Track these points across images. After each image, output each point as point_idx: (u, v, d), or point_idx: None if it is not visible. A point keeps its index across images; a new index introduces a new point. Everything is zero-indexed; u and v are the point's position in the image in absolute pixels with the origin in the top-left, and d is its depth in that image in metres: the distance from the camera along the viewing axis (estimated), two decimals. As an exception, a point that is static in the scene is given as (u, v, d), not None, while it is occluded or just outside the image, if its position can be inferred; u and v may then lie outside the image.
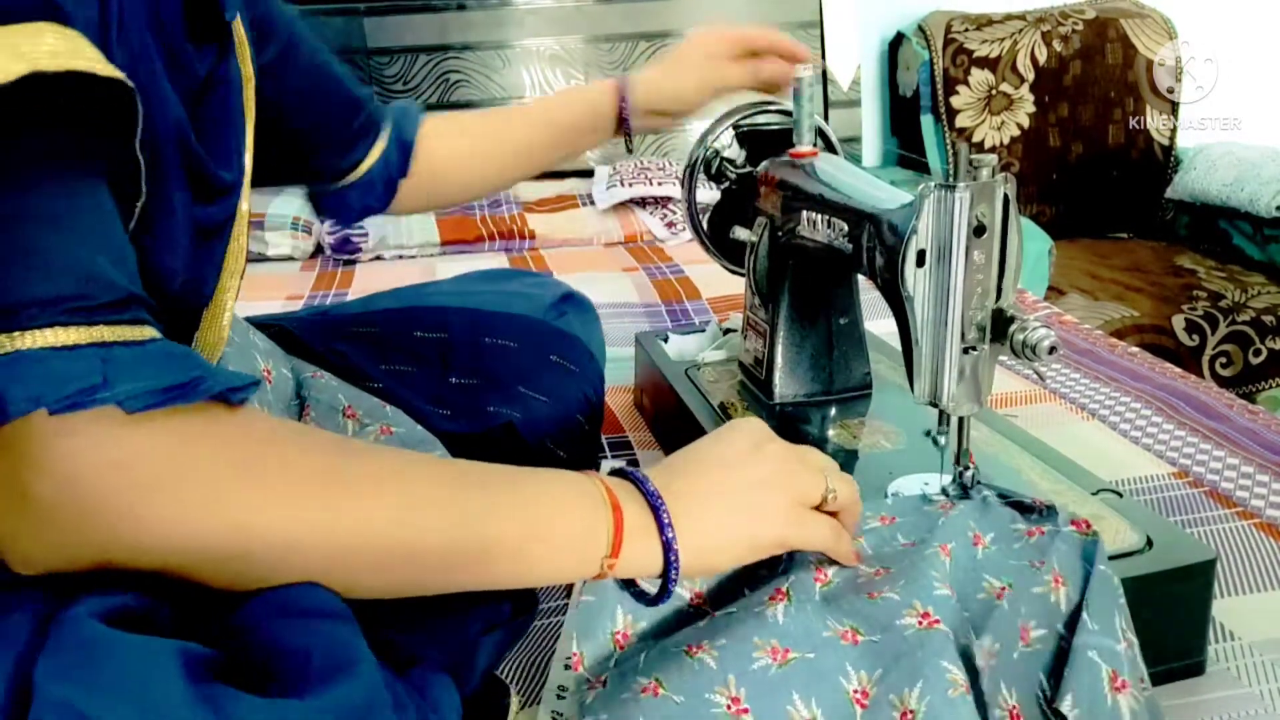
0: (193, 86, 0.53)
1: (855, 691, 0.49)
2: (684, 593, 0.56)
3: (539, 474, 0.51)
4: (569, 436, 0.81)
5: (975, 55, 2.26)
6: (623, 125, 0.89)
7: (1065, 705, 0.49)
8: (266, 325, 0.77)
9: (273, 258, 1.83)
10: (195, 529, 0.39)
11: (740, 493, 0.53)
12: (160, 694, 0.34)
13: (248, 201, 0.60)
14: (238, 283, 0.59)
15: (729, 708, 0.48)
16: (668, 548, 0.49)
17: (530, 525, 0.47)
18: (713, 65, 0.87)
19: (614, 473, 0.53)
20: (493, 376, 0.79)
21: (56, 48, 0.36)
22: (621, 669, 0.52)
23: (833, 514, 0.56)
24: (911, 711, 0.47)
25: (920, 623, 0.50)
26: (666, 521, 0.50)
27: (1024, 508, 0.62)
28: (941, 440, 0.63)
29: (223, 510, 0.40)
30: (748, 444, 0.55)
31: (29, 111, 0.37)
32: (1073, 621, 0.53)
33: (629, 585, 0.53)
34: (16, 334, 0.37)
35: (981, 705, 0.49)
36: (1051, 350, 0.57)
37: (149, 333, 0.40)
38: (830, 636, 0.51)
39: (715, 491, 0.52)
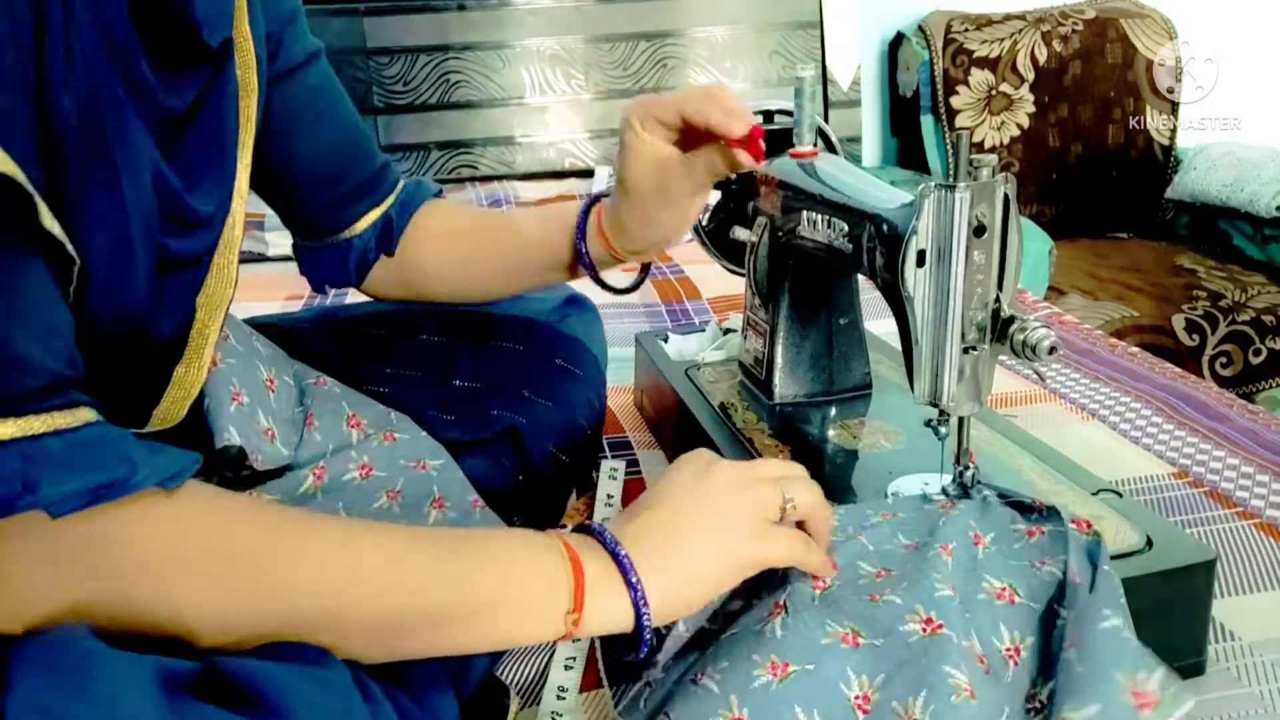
0: (167, 116, 0.52)
1: (857, 698, 0.49)
2: (682, 630, 0.55)
3: (493, 535, 0.51)
4: (571, 441, 0.81)
5: (975, 55, 2.26)
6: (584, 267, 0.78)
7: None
8: (269, 327, 0.77)
9: (273, 258, 1.82)
10: (127, 620, 0.40)
11: (698, 520, 0.52)
12: (134, 706, 0.35)
13: (240, 228, 0.58)
14: (221, 319, 0.58)
15: None
16: (635, 593, 0.49)
17: (483, 590, 0.47)
18: (663, 185, 0.69)
19: (575, 529, 0.52)
20: (497, 380, 0.79)
21: None
22: (641, 703, 0.53)
23: (801, 525, 0.56)
24: (914, 719, 0.47)
25: (924, 629, 0.50)
26: (629, 566, 0.49)
27: (1024, 508, 0.62)
28: (942, 430, 0.63)
29: (152, 602, 0.40)
30: (692, 474, 0.54)
31: None
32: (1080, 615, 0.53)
33: (608, 645, 0.52)
34: None
35: (997, 704, 0.49)
36: (1051, 350, 0.57)
37: (83, 416, 0.39)
38: (830, 643, 0.51)
39: (674, 527, 0.52)
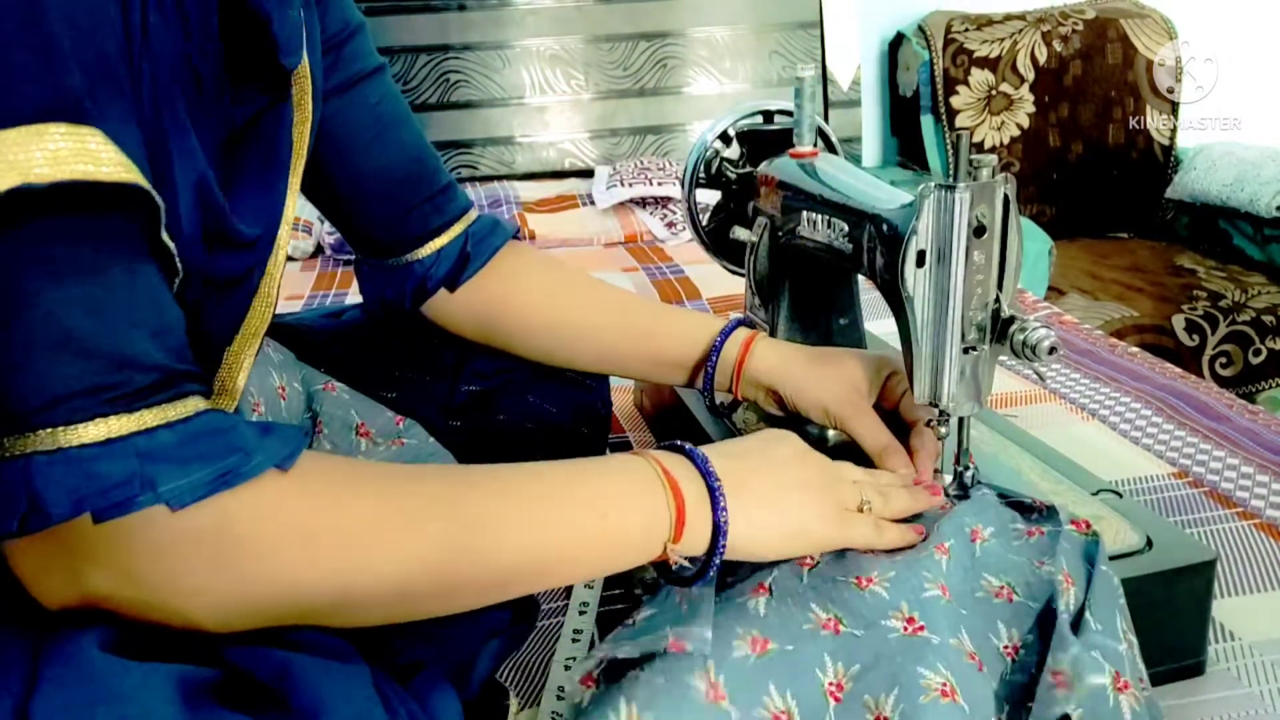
0: (226, 134, 0.52)
1: (830, 684, 0.49)
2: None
3: (593, 467, 0.52)
4: (577, 447, 0.81)
5: (975, 55, 2.26)
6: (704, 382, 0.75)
7: (1070, 705, 0.49)
8: (275, 326, 0.77)
9: (296, 258, 1.83)
10: (255, 600, 0.40)
11: (790, 490, 0.54)
12: (155, 712, 0.35)
13: (284, 254, 0.58)
14: (257, 345, 0.58)
15: (708, 694, 0.48)
16: (717, 528, 0.50)
17: (591, 525, 0.48)
18: (855, 419, 0.68)
19: (665, 446, 0.54)
20: (505, 385, 0.79)
21: (58, 152, 0.35)
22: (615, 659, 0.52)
23: None
24: (885, 717, 0.47)
25: (905, 628, 0.51)
26: (721, 504, 0.50)
27: (1024, 508, 0.62)
28: (942, 430, 0.63)
29: (280, 577, 0.41)
30: (794, 451, 0.57)
31: (50, 201, 0.36)
32: (1076, 621, 0.53)
33: (659, 568, 0.52)
34: (60, 429, 0.36)
35: (997, 701, 0.49)
36: (1051, 350, 0.57)
37: (193, 405, 0.40)
38: (810, 629, 0.51)
39: (767, 485, 0.53)
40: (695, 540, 0.51)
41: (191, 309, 0.50)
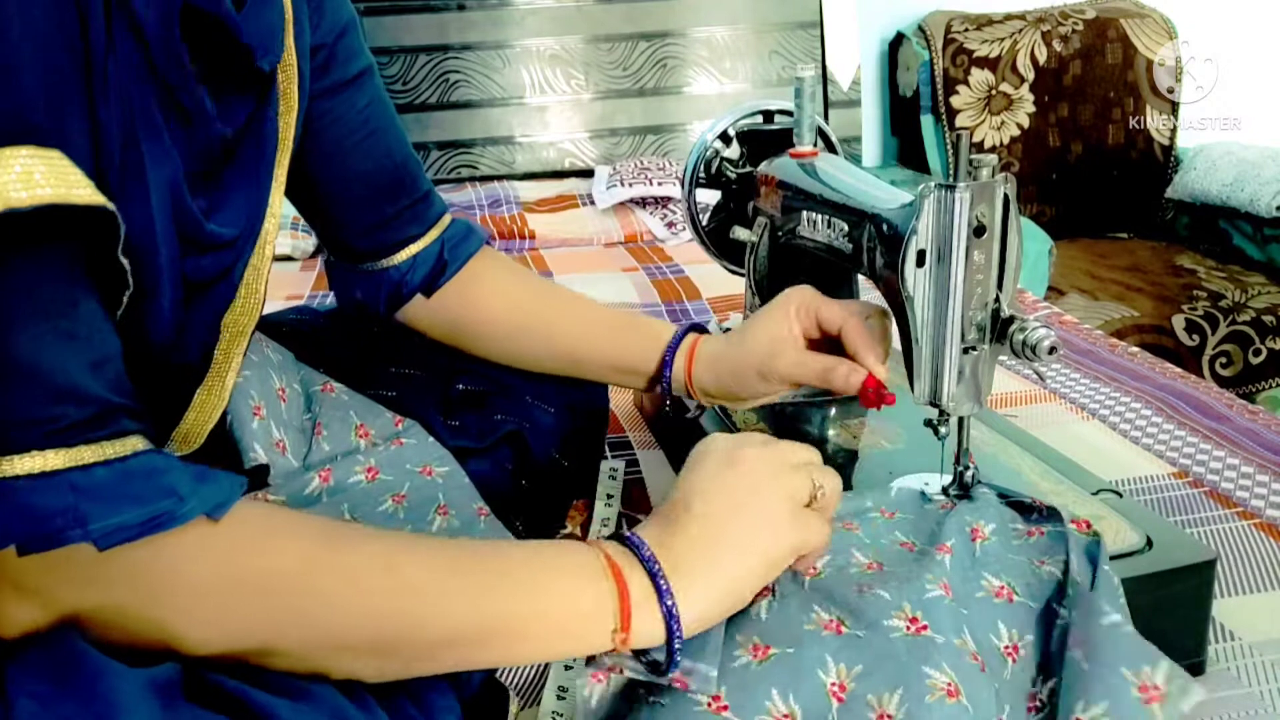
0: (214, 140, 0.51)
1: (833, 685, 0.49)
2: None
3: (539, 550, 0.49)
4: (574, 445, 0.81)
5: (975, 55, 2.26)
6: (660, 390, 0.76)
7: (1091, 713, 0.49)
8: (274, 326, 0.77)
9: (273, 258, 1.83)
10: (181, 638, 0.40)
11: (733, 521, 0.50)
12: (133, 710, 0.35)
13: (271, 248, 0.57)
14: (245, 343, 0.57)
15: (709, 705, 0.48)
16: (669, 617, 0.47)
17: (532, 605, 0.46)
18: (786, 364, 0.68)
19: (612, 537, 0.51)
20: (501, 384, 0.79)
21: (27, 174, 0.35)
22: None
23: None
24: (889, 716, 0.47)
25: (909, 628, 0.51)
26: (665, 589, 0.47)
27: (1024, 508, 0.62)
28: (942, 430, 0.63)
29: (204, 619, 0.41)
30: (717, 464, 0.52)
31: (11, 226, 0.35)
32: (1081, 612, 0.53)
33: (638, 655, 0.50)
34: None
35: (999, 702, 0.49)
36: (1051, 350, 0.57)
37: (131, 445, 0.40)
38: (812, 629, 0.51)
39: (711, 536, 0.49)
40: (648, 631, 0.48)
41: (171, 312, 0.50)
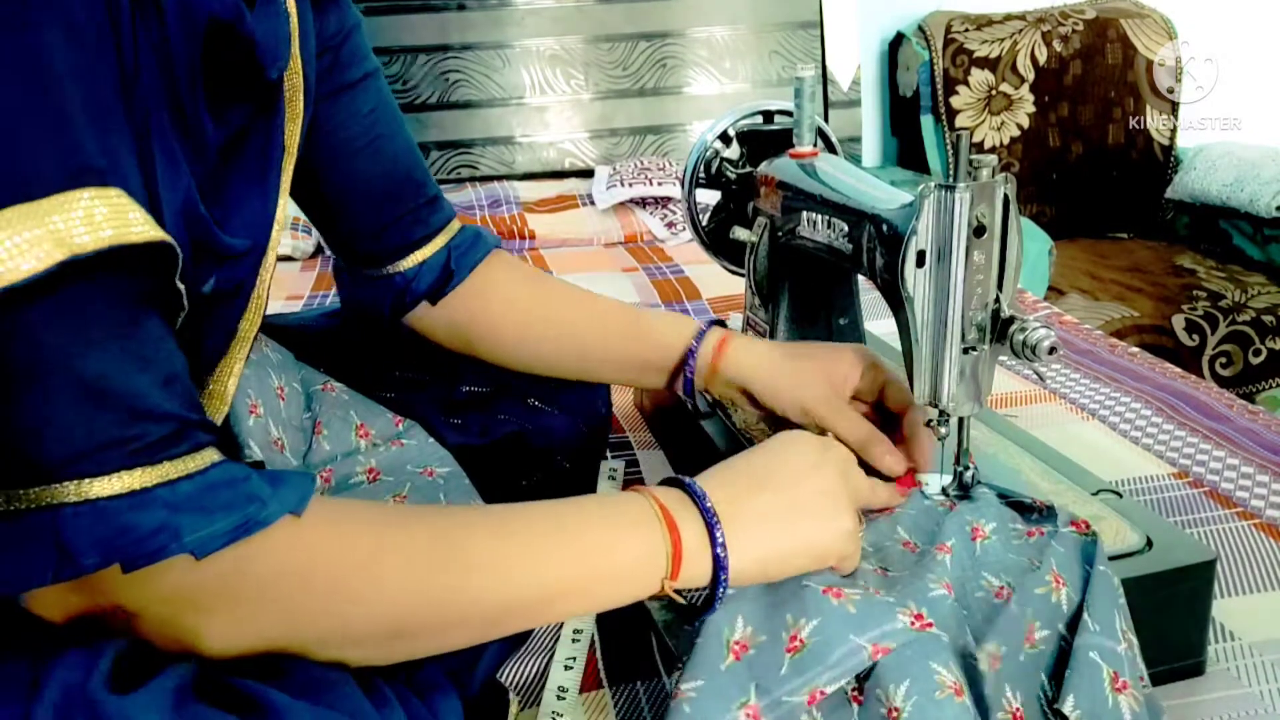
0: (212, 147, 0.52)
1: (852, 690, 0.49)
2: None
3: (591, 506, 0.52)
4: (577, 446, 0.81)
5: (975, 55, 2.26)
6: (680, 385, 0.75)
7: (1067, 706, 0.49)
8: (274, 327, 0.77)
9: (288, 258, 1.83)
10: (259, 635, 0.42)
11: (797, 509, 0.52)
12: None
13: (275, 254, 0.58)
14: (247, 348, 0.58)
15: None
16: (718, 565, 0.50)
17: (588, 564, 0.48)
18: (823, 404, 0.68)
19: (667, 481, 0.53)
20: (505, 384, 0.79)
21: (91, 217, 0.36)
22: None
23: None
24: (897, 709, 0.47)
25: (913, 624, 0.51)
26: (720, 540, 0.50)
27: (1024, 508, 0.62)
28: (942, 430, 0.63)
29: (284, 614, 0.42)
30: (810, 460, 0.55)
31: (84, 266, 0.36)
32: (1073, 622, 0.53)
33: (663, 598, 0.52)
34: (85, 481, 0.37)
35: (982, 708, 0.49)
36: (1051, 350, 0.57)
37: (208, 457, 0.41)
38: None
39: (771, 511, 0.52)
40: (695, 575, 0.50)
41: (184, 326, 0.50)
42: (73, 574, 0.37)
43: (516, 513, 0.50)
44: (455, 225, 0.76)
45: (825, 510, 0.53)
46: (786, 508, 0.52)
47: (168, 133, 0.46)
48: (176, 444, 0.40)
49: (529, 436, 0.76)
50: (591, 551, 0.48)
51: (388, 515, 0.47)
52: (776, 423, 0.75)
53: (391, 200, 0.71)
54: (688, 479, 0.53)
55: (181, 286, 0.42)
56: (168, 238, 0.39)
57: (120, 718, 0.36)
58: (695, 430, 0.86)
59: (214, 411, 0.57)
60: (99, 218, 0.36)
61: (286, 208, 0.59)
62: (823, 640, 0.49)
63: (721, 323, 0.76)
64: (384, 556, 0.44)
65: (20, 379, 0.36)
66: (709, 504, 0.51)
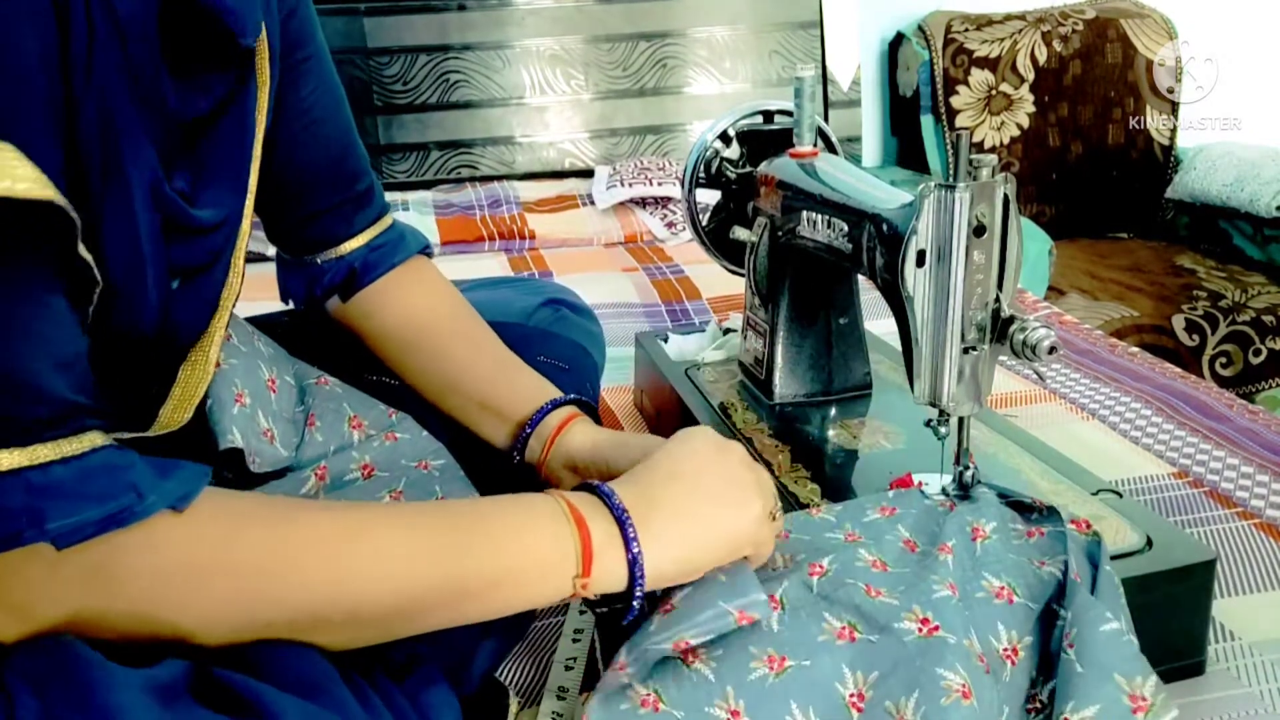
0: (186, 123, 0.51)
1: (851, 696, 0.49)
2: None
3: (502, 502, 0.51)
4: None
5: (975, 55, 2.26)
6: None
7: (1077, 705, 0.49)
8: (270, 324, 0.77)
9: (272, 258, 1.82)
10: (151, 627, 0.40)
11: (717, 495, 0.52)
12: (132, 713, 0.35)
13: (249, 222, 0.57)
14: (227, 317, 0.58)
15: None
16: (633, 563, 0.49)
17: (499, 559, 0.47)
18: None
19: (580, 488, 0.52)
20: None
21: None
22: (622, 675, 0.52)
23: None
24: None
25: (920, 629, 0.50)
26: (632, 535, 0.49)
27: (1024, 508, 0.62)
28: (942, 430, 0.63)
29: (172, 610, 0.41)
30: (713, 447, 0.54)
31: None
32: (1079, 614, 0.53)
33: (593, 604, 0.52)
34: None
35: (987, 707, 0.49)
36: (1051, 350, 0.57)
37: (90, 441, 0.39)
38: (825, 640, 0.51)
39: (690, 495, 0.52)
40: (610, 577, 0.49)
41: (158, 299, 0.50)
42: None
43: (426, 507, 0.49)
44: (382, 223, 0.75)
45: (734, 497, 0.52)
46: (698, 498, 0.52)
47: (126, 106, 0.45)
48: (56, 426, 0.38)
49: None
50: (499, 546, 0.47)
51: (293, 508, 0.46)
52: (776, 420, 0.75)
53: (319, 191, 0.70)
54: (596, 482, 0.52)
55: (88, 257, 0.40)
56: (59, 199, 0.37)
57: (105, 685, 0.36)
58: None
59: (196, 382, 0.57)
60: None
61: (258, 177, 0.59)
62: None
63: (580, 403, 0.73)
64: (284, 548, 0.43)
65: None
66: (617, 500, 0.50)
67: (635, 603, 0.50)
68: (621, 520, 0.50)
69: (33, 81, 0.39)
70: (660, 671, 0.50)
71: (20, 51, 0.38)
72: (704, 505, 0.52)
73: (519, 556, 0.48)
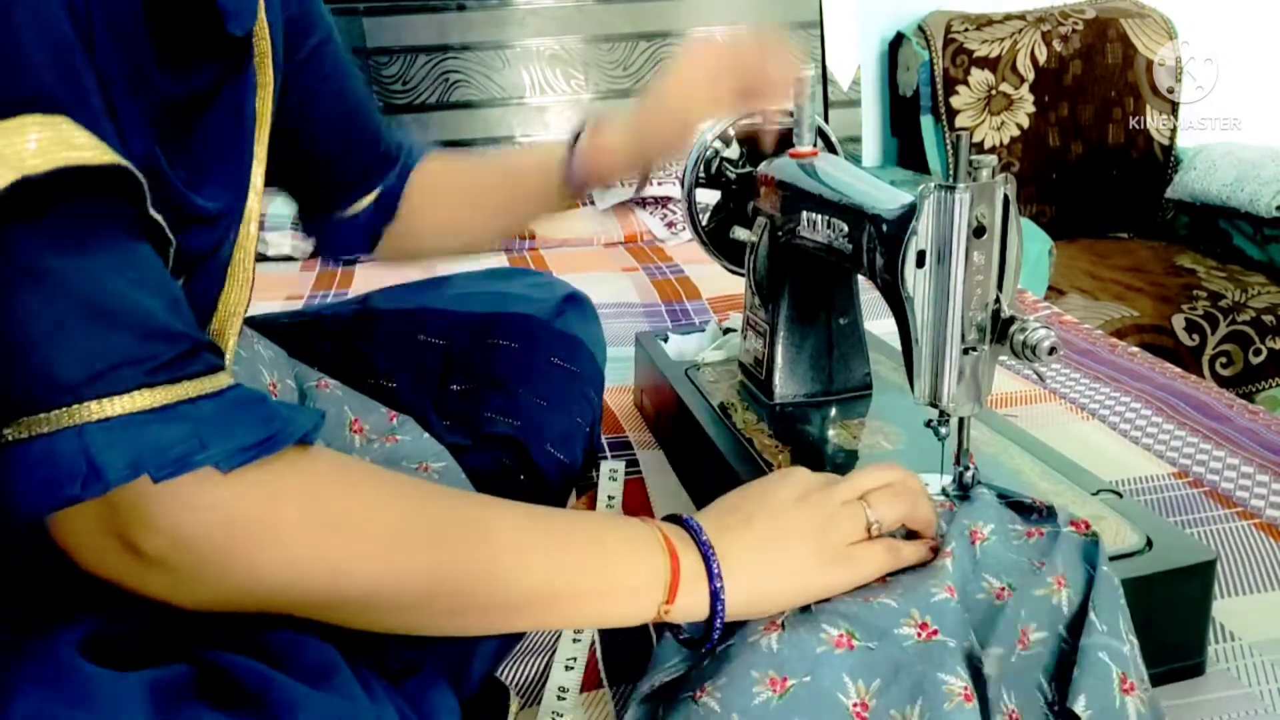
0: (171, 112, 0.52)
1: (855, 705, 0.49)
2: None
3: (604, 521, 0.54)
4: (570, 439, 0.81)
5: (975, 55, 2.26)
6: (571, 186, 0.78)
7: (1079, 706, 0.49)
8: (270, 326, 0.77)
9: (272, 258, 1.82)
10: (297, 576, 0.42)
11: (785, 543, 0.53)
12: (129, 715, 0.36)
13: (255, 226, 0.59)
14: (239, 325, 0.58)
15: None
16: (714, 596, 0.51)
17: (598, 573, 0.49)
18: (691, 108, 0.76)
19: (667, 519, 0.54)
20: (492, 379, 0.79)
21: (43, 142, 0.37)
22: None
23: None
24: None
25: (919, 634, 0.50)
26: (716, 571, 0.51)
27: (1023, 508, 0.62)
28: (943, 430, 0.63)
29: (321, 559, 0.42)
30: (794, 495, 0.56)
31: (49, 190, 0.37)
32: (1075, 624, 0.53)
33: (672, 629, 0.54)
34: (109, 399, 0.38)
35: (985, 711, 0.49)
36: (1051, 351, 0.57)
37: (223, 380, 0.42)
38: (824, 651, 0.50)
39: (762, 542, 0.53)
40: (692, 607, 0.51)
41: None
42: (100, 488, 0.37)
43: (539, 512, 0.51)
44: (398, 153, 0.81)
45: (806, 546, 0.53)
46: (773, 543, 0.53)
47: (121, 86, 0.46)
48: (192, 363, 0.40)
49: (522, 432, 0.76)
50: (601, 560, 0.50)
51: (418, 484, 0.49)
52: (777, 421, 0.75)
53: (359, 147, 0.77)
54: (684, 515, 0.54)
55: (159, 217, 0.42)
56: (124, 162, 0.39)
57: (94, 692, 0.36)
58: (695, 430, 0.86)
59: None
60: (47, 142, 0.37)
61: (264, 177, 0.60)
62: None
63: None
64: (414, 518, 0.45)
65: (22, 303, 0.37)
66: (705, 537, 0.52)
67: (715, 635, 0.52)
68: (707, 555, 0.51)
69: (72, 50, 0.40)
70: (672, 712, 0.51)
71: (58, 19, 0.39)
72: (785, 547, 0.53)
73: (620, 572, 0.50)
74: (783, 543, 0.53)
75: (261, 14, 0.58)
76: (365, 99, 0.77)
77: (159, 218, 0.42)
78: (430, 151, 0.84)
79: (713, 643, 0.52)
